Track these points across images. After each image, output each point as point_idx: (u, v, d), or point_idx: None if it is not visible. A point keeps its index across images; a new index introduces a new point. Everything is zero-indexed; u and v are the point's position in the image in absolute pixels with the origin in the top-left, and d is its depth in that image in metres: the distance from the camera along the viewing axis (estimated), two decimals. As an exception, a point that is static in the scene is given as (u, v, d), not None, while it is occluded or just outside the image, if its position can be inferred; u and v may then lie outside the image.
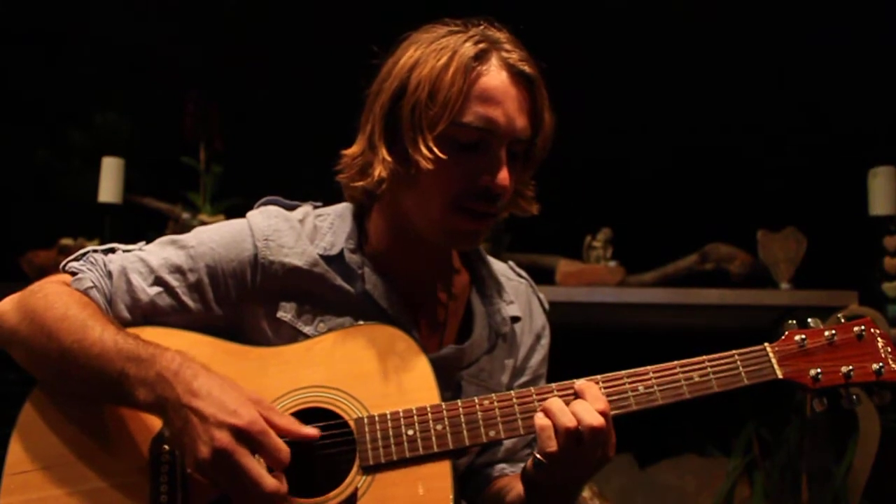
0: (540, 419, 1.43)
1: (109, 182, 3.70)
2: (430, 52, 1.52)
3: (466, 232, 1.57)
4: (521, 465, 1.73)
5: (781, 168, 3.82)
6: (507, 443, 1.73)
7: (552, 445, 1.41)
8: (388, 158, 1.53)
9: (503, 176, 1.52)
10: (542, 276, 3.59)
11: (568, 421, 1.40)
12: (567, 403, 1.43)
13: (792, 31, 3.79)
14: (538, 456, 1.43)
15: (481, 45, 1.52)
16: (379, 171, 1.54)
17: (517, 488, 1.58)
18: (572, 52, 3.70)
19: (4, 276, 3.58)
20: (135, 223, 3.77)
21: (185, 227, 3.60)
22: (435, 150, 1.49)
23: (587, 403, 1.42)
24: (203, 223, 3.57)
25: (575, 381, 1.49)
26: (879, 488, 3.18)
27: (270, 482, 1.35)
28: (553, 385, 1.51)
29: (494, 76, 1.51)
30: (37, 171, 4.06)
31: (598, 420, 1.40)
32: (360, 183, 1.58)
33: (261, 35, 4.08)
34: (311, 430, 1.43)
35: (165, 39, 4.07)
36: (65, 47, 4.16)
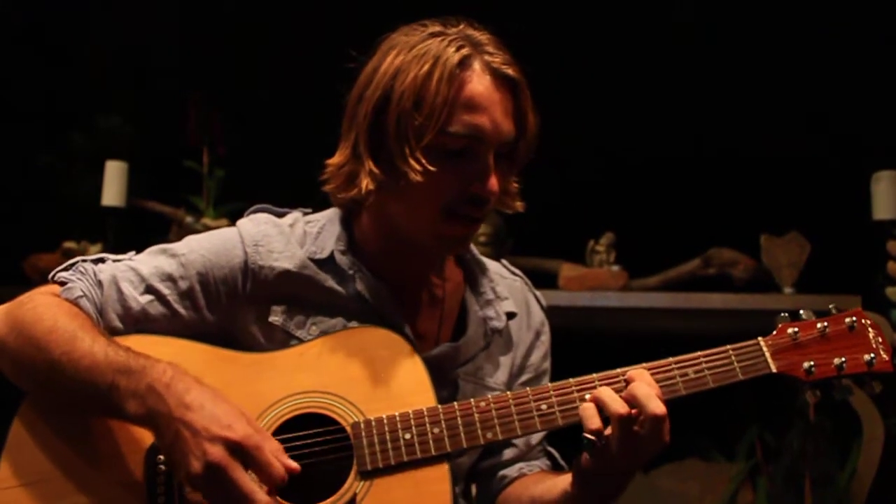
0: (584, 405, 1.43)
1: (112, 185, 3.70)
2: (412, 58, 1.50)
3: (457, 237, 1.58)
4: (536, 462, 1.74)
5: (784, 172, 3.81)
6: (520, 442, 1.72)
7: (595, 423, 1.40)
8: (375, 170, 1.53)
9: (492, 182, 1.52)
10: (544, 280, 3.58)
11: (620, 407, 1.39)
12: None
13: (795, 35, 3.78)
14: (587, 436, 1.41)
15: (464, 51, 1.51)
16: (366, 182, 1.53)
17: (560, 485, 1.56)
18: (575, 56, 3.71)
19: (7, 279, 3.59)
20: (138, 227, 3.77)
21: (187, 231, 3.60)
22: (423, 161, 1.49)
23: (645, 386, 1.42)
24: (206, 227, 3.58)
25: (586, 375, 1.50)
26: (883, 494, 3.17)
27: (263, 498, 1.33)
28: (550, 385, 1.51)
29: (479, 82, 1.51)
30: (40, 175, 4.06)
31: (661, 409, 1.39)
32: (348, 194, 1.58)
33: (263, 38, 4.08)
34: (293, 464, 1.39)
35: (168, 43, 4.08)
36: (68, 51, 4.17)
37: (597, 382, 1.49)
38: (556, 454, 1.78)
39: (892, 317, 3.25)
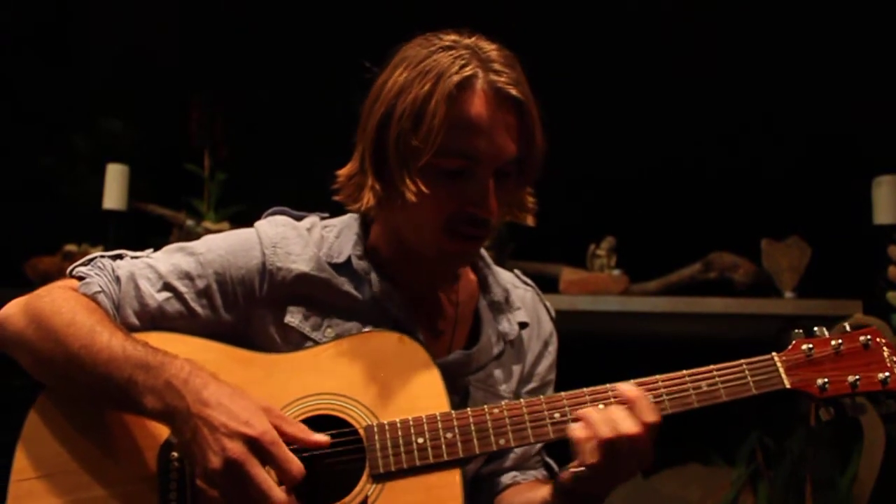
0: (580, 431, 1.42)
1: (114, 188, 3.70)
2: (416, 76, 1.50)
3: (457, 253, 1.59)
4: (532, 471, 1.74)
5: (785, 177, 3.82)
6: (519, 450, 1.73)
7: (594, 458, 1.40)
8: (377, 186, 1.54)
9: (489, 204, 1.53)
10: (545, 284, 3.55)
11: (609, 432, 1.39)
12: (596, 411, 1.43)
13: (795, 39, 3.80)
14: (579, 468, 1.42)
15: (466, 71, 1.50)
16: (367, 198, 1.55)
17: (540, 493, 1.57)
18: (575, 60, 3.72)
19: (8, 281, 3.59)
20: (139, 230, 3.77)
21: (189, 234, 3.60)
22: (419, 183, 1.49)
23: (623, 412, 1.42)
24: (207, 230, 3.58)
25: (613, 385, 1.49)
26: (884, 498, 3.17)
27: (280, 495, 1.34)
28: (563, 394, 1.51)
29: (478, 104, 1.50)
30: (41, 177, 4.06)
31: (635, 429, 1.39)
32: (354, 205, 1.60)
33: (265, 41, 4.08)
34: (321, 438, 1.42)
35: (170, 46, 4.08)
36: (69, 53, 4.17)
37: (610, 393, 1.48)
38: (554, 465, 1.79)
39: (893, 321, 3.26)
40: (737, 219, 3.77)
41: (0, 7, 4.04)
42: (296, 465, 1.36)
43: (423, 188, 1.49)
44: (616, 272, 3.71)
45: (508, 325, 1.72)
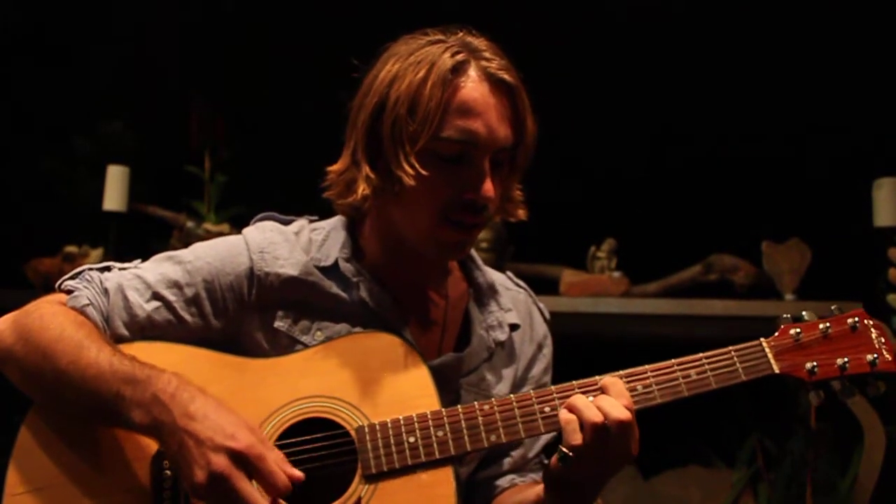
0: (564, 414, 1.43)
1: (114, 190, 3.71)
2: (409, 65, 1.52)
3: (454, 243, 1.58)
4: (531, 475, 1.73)
5: (786, 179, 3.81)
6: (516, 454, 1.72)
7: (577, 439, 1.40)
8: (372, 175, 1.54)
9: (487, 188, 1.52)
10: (546, 286, 3.59)
11: (594, 416, 1.39)
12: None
13: (796, 41, 3.79)
14: (564, 450, 1.41)
15: (459, 57, 1.52)
16: (362, 188, 1.55)
17: (535, 491, 1.57)
18: (575, 62, 3.72)
19: (9, 283, 3.59)
20: (139, 231, 3.78)
21: (189, 236, 3.60)
22: (416, 165, 1.50)
23: (612, 398, 1.42)
24: (208, 232, 3.58)
25: (591, 378, 1.49)
26: (884, 501, 3.17)
27: None
28: (553, 388, 1.51)
29: (473, 87, 1.51)
30: (42, 179, 4.07)
31: (624, 414, 1.39)
32: (346, 200, 1.59)
33: (266, 43, 4.09)
34: (297, 473, 1.39)
35: (170, 46, 4.08)
36: (70, 55, 4.17)
37: (600, 384, 1.48)
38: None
39: (893, 324, 3.25)
40: (737, 221, 3.77)
41: (0, 8, 4.05)
42: (281, 478, 1.35)
43: (421, 171, 1.49)
44: (616, 274, 3.71)
45: (499, 326, 1.71)
